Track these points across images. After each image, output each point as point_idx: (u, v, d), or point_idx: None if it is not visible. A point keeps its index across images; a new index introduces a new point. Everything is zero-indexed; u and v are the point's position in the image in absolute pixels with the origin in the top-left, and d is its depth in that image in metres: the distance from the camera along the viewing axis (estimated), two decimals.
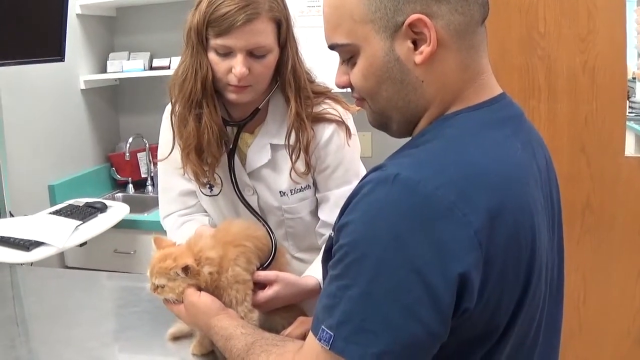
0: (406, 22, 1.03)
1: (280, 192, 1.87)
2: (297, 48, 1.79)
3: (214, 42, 1.65)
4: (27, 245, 2.65)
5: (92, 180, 4.06)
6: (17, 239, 2.69)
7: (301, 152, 1.80)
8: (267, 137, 1.86)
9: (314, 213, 1.94)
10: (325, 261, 1.11)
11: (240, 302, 1.52)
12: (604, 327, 3.10)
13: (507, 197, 0.99)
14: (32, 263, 2.65)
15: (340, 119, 1.85)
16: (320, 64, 1.86)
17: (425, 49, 1.04)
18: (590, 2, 2.88)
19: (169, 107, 1.90)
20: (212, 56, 1.68)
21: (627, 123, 3.06)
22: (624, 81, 2.94)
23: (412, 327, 0.94)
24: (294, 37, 1.77)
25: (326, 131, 1.84)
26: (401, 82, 1.09)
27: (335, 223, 1.07)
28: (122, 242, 3.59)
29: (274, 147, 1.85)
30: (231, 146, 1.83)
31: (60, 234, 2.82)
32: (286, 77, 1.77)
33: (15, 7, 2.67)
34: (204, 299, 1.47)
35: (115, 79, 4.23)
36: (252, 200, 1.88)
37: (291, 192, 1.88)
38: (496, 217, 0.96)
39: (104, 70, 4.14)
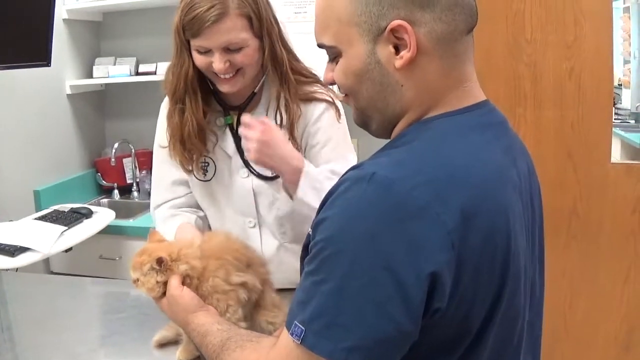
0: (388, 27, 1.05)
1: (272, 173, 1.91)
2: (278, 34, 1.86)
3: (192, 42, 1.78)
4: (12, 250, 2.63)
5: (77, 186, 4.04)
6: (2, 244, 2.66)
7: (287, 131, 1.87)
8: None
9: None
10: (303, 259, 1.11)
11: (222, 312, 1.51)
12: (590, 332, 3.11)
13: (483, 199, 1.01)
14: (17, 269, 2.64)
15: (330, 99, 1.93)
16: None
17: (405, 54, 1.06)
18: (576, 9, 2.90)
19: (167, 99, 1.99)
20: (195, 54, 1.79)
21: (614, 129, 3.07)
22: (610, 88, 2.96)
23: (382, 324, 0.95)
24: (273, 24, 1.84)
25: (316, 110, 1.92)
26: (381, 84, 1.11)
27: (313, 221, 1.08)
28: (108, 248, 3.58)
29: None
30: (235, 130, 1.93)
31: (45, 239, 2.80)
32: (267, 63, 1.85)
33: (0, 11, 2.66)
34: (186, 294, 1.47)
35: (102, 84, 4.21)
36: (247, 182, 1.94)
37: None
38: (471, 219, 0.97)
39: (90, 75, 4.13)
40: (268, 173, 1.92)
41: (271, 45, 1.83)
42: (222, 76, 1.80)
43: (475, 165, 1.03)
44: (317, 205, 1.74)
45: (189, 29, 1.74)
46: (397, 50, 1.07)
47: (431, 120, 1.11)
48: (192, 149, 1.91)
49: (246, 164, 1.94)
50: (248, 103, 1.94)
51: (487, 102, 1.17)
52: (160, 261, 1.49)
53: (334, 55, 1.15)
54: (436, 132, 1.08)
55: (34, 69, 3.07)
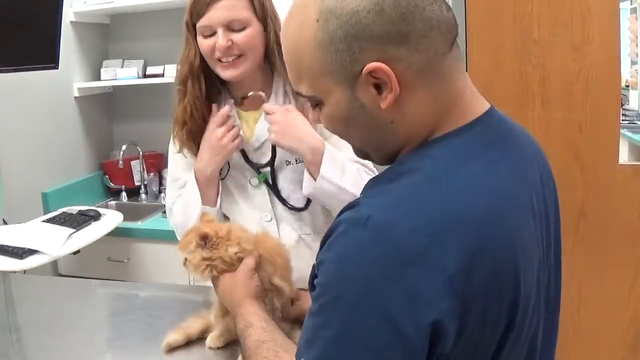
0: (364, 71, 1.00)
1: (286, 161, 1.96)
2: (279, 25, 1.89)
3: (198, 26, 1.85)
4: (20, 253, 2.64)
5: (85, 188, 4.06)
6: (10, 246, 2.67)
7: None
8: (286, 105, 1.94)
9: None
10: (311, 290, 1.11)
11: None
12: (598, 335, 3.10)
13: (485, 236, 0.96)
14: (25, 271, 2.65)
15: None
16: None
17: (387, 95, 1.01)
18: (584, 11, 2.89)
19: None
20: (199, 40, 1.86)
21: (621, 131, 3.06)
22: (617, 89, 2.95)
23: None
24: (275, 15, 1.91)
25: None
26: (370, 126, 1.07)
27: (317, 253, 1.06)
28: (116, 250, 3.58)
29: None
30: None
31: (53, 242, 2.81)
32: (273, 47, 1.89)
33: (9, 14, 2.66)
34: (255, 281, 1.51)
35: (109, 87, 4.22)
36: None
37: (296, 160, 1.95)
38: (474, 259, 0.93)
39: (97, 77, 4.14)
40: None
41: (275, 29, 1.88)
42: (224, 60, 1.85)
43: (474, 200, 0.98)
44: (339, 182, 1.82)
45: (195, 12, 1.84)
46: (379, 89, 1.01)
47: (431, 145, 1.06)
48: (193, 128, 1.95)
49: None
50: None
51: (489, 113, 1.12)
52: (204, 237, 1.50)
53: (316, 103, 1.11)
54: (434, 162, 1.03)
55: (41, 71, 3.08)
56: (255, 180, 2.00)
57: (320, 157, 1.83)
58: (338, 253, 0.97)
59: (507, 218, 1.01)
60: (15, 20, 2.69)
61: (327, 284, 0.97)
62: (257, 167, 1.99)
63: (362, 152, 1.18)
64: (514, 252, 1.00)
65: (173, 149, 2.05)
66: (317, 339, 0.98)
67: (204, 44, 1.85)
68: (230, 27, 1.82)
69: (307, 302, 1.43)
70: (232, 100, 1.99)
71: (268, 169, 1.98)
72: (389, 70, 0.99)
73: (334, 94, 1.05)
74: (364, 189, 1.11)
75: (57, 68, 2.96)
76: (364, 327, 0.92)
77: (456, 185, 0.99)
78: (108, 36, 4.30)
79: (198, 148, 1.96)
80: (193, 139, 1.97)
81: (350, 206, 1.02)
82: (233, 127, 1.93)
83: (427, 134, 1.07)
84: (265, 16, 1.87)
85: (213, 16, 1.81)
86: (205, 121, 1.95)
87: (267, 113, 1.85)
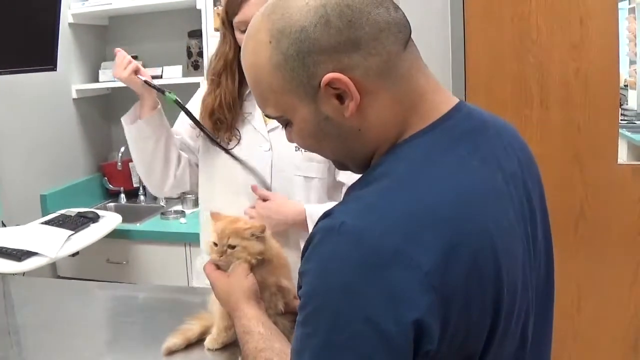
0: (322, 84, 1.01)
1: (295, 146, 1.98)
2: None
3: (235, 22, 2.01)
4: (19, 255, 2.64)
5: (84, 190, 4.05)
6: (9, 249, 2.67)
7: None
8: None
9: (327, 183, 2.12)
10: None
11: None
12: (598, 335, 3.10)
13: (459, 230, 0.97)
14: (24, 273, 2.64)
15: None
16: None
17: (349, 103, 1.02)
18: (582, 10, 2.90)
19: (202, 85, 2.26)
20: (238, 35, 2.03)
21: (620, 130, 3.06)
22: (616, 88, 2.95)
23: None
24: None
25: None
26: (338, 136, 1.08)
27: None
28: (115, 252, 3.58)
29: None
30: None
31: (52, 244, 2.81)
32: None
33: (7, 16, 2.66)
34: (251, 280, 1.51)
35: (108, 88, 4.21)
36: (267, 157, 2.11)
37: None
38: (449, 253, 0.94)
39: (96, 79, 4.14)
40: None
41: None
42: None
43: (446, 195, 0.99)
44: None
45: (231, 9, 2.00)
46: (341, 98, 1.03)
47: (399, 148, 1.07)
48: (221, 119, 2.10)
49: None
50: None
51: (457, 108, 1.12)
52: (264, 230, 1.54)
53: (285, 123, 1.13)
54: (405, 163, 1.04)
55: (40, 73, 3.08)
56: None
57: (304, 221, 2.01)
58: (316, 263, 0.99)
59: (481, 210, 1.02)
60: (13, 21, 2.69)
61: (309, 294, 0.99)
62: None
63: (339, 164, 1.19)
64: (492, 243, 1.00)
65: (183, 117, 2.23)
66: (305, 348, 0.99)
67: (242, 38, 1.93)
68: None
69: None
70: None
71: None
72: (345, 79, 1.00)
73: (299, 111, 1.07)
74: (343, 197, 1.13)
75: (56, 70, 2.96)
76: (348, 333, 0.93)
77: (425, 183, 1.00)
78: (106, 38, 4.30)
79: (219, 130, 2.12)
80: (218, 129, 2.11)
81: (325, 215, 1.03)
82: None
83: (395, 135, 1.08)
84: None
85: (248, 12, 1.95)
86: (232, 113, 2.10)
87: (252, 207, 2.06)
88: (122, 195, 4.19)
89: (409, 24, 1.07)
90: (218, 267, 1.56)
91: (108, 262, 3.60)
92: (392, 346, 0.92)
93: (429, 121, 1.08)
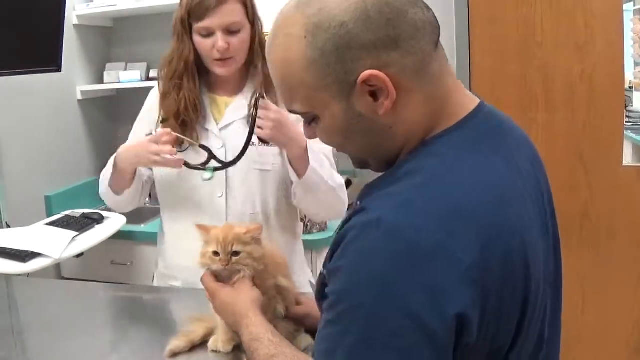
0: (359, 80, 1.01)
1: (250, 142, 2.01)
2: (262, 25, 2.10)
3: (197, 26, 1.99)
4: (23, 256, 2.63)
5: (88, 191, 4.04)
6: (13, 249, 2.67)
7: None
8: (246, 98, 2.12)
9: (282, 174, 2.12)
10: (319, 299, 1.10)
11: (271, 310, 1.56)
12: (603, 336, 3.09)
13: (494, 225, 0.98)
14: (28, 274, 2.64)
15: None
16: None
17: (384, 100, 1.02)
18: (587, 12, 2.89)
19: (155, 89, 2.26)
20: (197, 39, 2.01)
21: (625, 132, 3.05)
22: (621, 90, 2.95)
23: None
24: (259, 17, 2.09)
25: None
26: (369, 133, 1.08)
27: (325, 262, 1.07)
28: (119, 253, 3.58)
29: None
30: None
31: (56, 245, 2.81)
32: (256, 47, 2.08)
33: (12, 17, 2.67)
34: (257, 292, 1.51)
35: (112, 90, 4.22)
36: (220, 154, 2.07)
37: (259, 143, 2.06)
38: (487, 248, 0.95)
39: (100, 80, 4.14)
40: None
41: (259, 31, 2.08)
42: (219, 57, 2.01)
43: (479, 192, 1.00)
44: (322, 173, 1.96)
45: (195, 14, 1.97)
46: (375, 95, 1.03)
47: (429, 145, 1.08)
48: (186, 120, 2.07)
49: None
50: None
51: (479, 107, 1.13)
52: (261, 230, 1.54)
53: (311, 119, 1.12)
54: (435, 160, 1.05)
55: (44, 74, 3.08)
56: (207, 174, 2.10)
57: (306, 152, 1.96)
58: (353, 259, 0.98)
59: (510, 208, 1.03)
60: (18, 23, 2.70)
61: (344, 291, 0.98)
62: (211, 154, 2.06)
63: (360, 161, 1.19)
64: (522, 240, 1.02)
65: (144, 126, 2.27)
66: (338, 347, 0.97)
67: (202, 43, 2.01)
68: (228, 30, 1.99)
69: (312, 304, 1.44)
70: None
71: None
72: (384, 76, 1.01)
73: (330, 108, 1.07)
74: (360, 195, 1.13)
75: (60, 71, 2.96)
76: (388, 329, 0.93)
77: (459, 180, 1.01)
78: (111, 39, 4.30)
79: (185, 132, 2.07)
80: (184, 131, 2.07)
81: (357, 212, 1.02)
82: (171, 151, 1.98)
83: (423, 133, 1.09)
84: (254, 19, 2.06)
85: (215, 20, 1.96)
86: (196, 113, 2.08)
87: (264, 108, 1.93)
88: None
89: (439, 24, 1.08)
90: (216, 277, 1.55)
91: (112, 263, 3.60)
92: (436, 340, 0.92)
93: (455, 120, 1.09)
